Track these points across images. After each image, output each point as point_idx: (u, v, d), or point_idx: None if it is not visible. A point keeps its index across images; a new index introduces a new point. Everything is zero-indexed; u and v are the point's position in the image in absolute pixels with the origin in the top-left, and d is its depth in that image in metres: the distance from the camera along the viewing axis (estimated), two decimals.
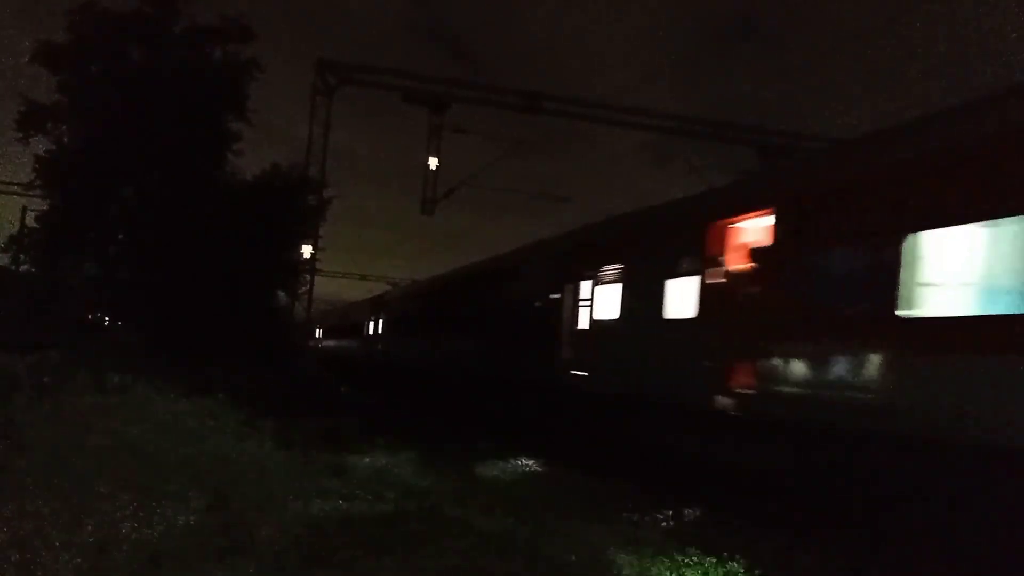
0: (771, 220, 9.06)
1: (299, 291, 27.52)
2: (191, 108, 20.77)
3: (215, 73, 21.81)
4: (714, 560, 6.58)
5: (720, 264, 9.98)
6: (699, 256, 10.29)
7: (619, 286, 12.48)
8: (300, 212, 24.41)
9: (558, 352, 14.30)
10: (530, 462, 12.06)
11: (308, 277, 28.98)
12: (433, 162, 31.06)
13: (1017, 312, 5.92)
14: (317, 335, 52.67)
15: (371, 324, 35.48)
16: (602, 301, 12.97)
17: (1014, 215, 6.02)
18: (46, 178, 21.46)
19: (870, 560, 6.97)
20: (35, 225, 23.06)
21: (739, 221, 9.87)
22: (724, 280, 9.90)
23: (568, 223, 17.86)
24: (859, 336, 7.52)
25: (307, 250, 26.77)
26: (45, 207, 22.42)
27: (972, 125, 6.95)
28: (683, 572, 6.36)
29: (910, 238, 6.98)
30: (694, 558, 6.62)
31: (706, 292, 10.13)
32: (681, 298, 10.64)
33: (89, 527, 5.24)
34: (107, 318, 30.68)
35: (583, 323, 13.63)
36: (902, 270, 7.01)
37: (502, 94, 30.53)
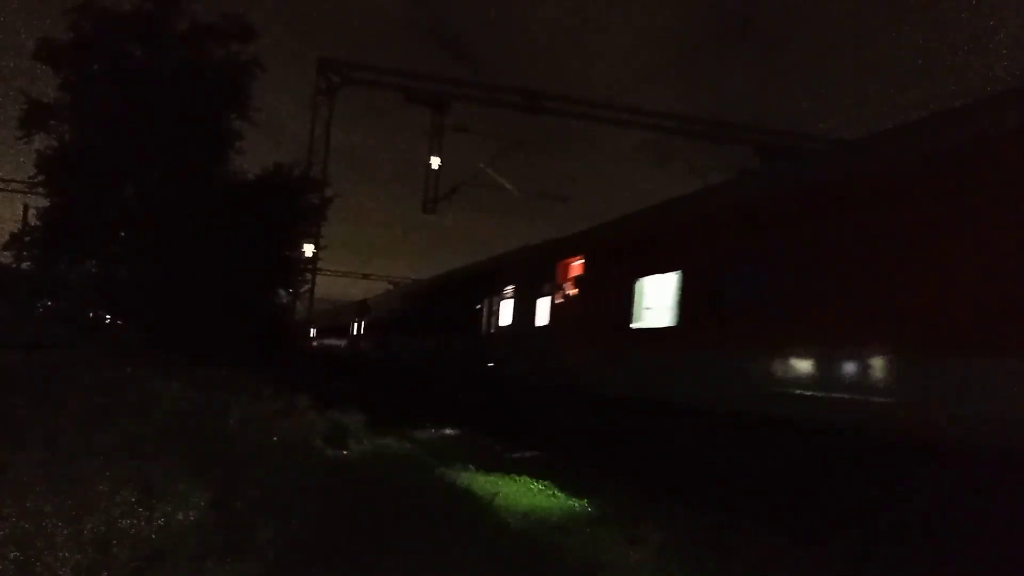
0: (583, 262, 13.88)
1: (300, 290, 27.57)
2: (193, 107, 20.81)
3: (217, 72, 21.85)
4: (516, 476, 10.41)
5: (561, 289, 14.51)
6: (551, 283, 14.88)
7: (513, 301, 17.06)
8: (301, 211, 24.46)
9: (479, 349, 18.74)
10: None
11: (309, 276, 29.02)
12: (435, 161, 31.07)
13: (671, 325, 10.60)
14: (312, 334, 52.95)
15: (355, 325, 37.84)
16: (505, 312, 17.59)
17: (667, 272, 10.88)
18: (48, 175, 21.50)
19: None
20: (37, 223, 23.11)
21: (570, 262, 14.35)
22: (561, 300, 14.46)
23: (569, 223, 20.73)
24: (617, 339, 12.20)
25: (309, 249, 26.79)
26: (47, 205, 22.48)
27: (644, 228, 12.61)
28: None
29: (639, 280, 11.69)
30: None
31: (553, 308, 14.75)
32: (543, 311, 15.23)
33: (90, 524, 5.26)
34: (108, 316, 30.73)
35: (493, 328, 18.21)
36: (635, 299, 11.68)
37: (503, 93, 30.60)
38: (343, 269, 66.51)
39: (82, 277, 23.97)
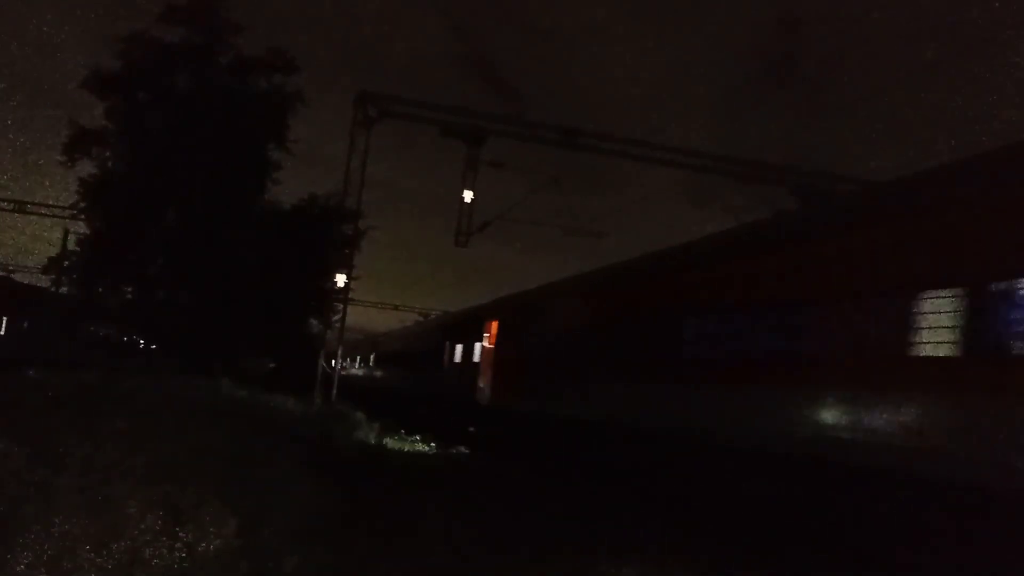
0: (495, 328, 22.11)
1: (332, 319, 27.65)
2: (234, 137, 21.17)
3: (259, 104, 22.24)
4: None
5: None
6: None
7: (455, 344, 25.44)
8: (335, 241, 24.65)
9: (437, 377, 26.70)
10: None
11: (340, 306, 29.10)
12: (468, 195, 31.12)
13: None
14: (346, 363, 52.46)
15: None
16: (453, 352, 25.34)
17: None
18: (90, 201, 21.92)
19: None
20: (76, 248, 23.53)
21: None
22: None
23: (603, 259, 21.69)
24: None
25: (341, 279, 26.88)
26: (87, 231, 22.88)
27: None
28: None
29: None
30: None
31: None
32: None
33: (117, 547, 5.28)
34: (142, 341, 31.05)
35: (447, 363, 25.63)
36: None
37: (540, 129, 30.70)
38: (373, 300, 66.75)
39: (120, 301, 24.28)
